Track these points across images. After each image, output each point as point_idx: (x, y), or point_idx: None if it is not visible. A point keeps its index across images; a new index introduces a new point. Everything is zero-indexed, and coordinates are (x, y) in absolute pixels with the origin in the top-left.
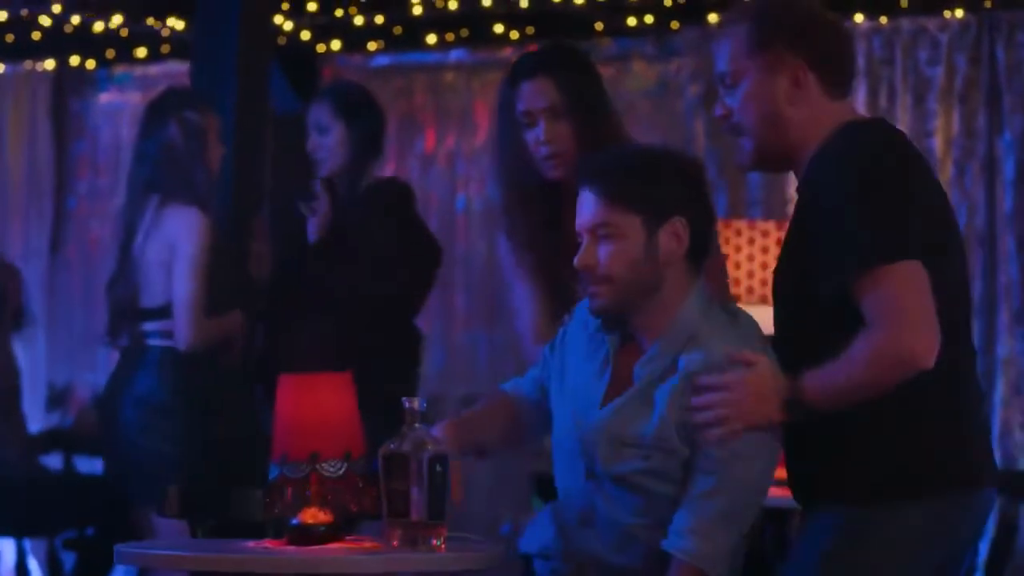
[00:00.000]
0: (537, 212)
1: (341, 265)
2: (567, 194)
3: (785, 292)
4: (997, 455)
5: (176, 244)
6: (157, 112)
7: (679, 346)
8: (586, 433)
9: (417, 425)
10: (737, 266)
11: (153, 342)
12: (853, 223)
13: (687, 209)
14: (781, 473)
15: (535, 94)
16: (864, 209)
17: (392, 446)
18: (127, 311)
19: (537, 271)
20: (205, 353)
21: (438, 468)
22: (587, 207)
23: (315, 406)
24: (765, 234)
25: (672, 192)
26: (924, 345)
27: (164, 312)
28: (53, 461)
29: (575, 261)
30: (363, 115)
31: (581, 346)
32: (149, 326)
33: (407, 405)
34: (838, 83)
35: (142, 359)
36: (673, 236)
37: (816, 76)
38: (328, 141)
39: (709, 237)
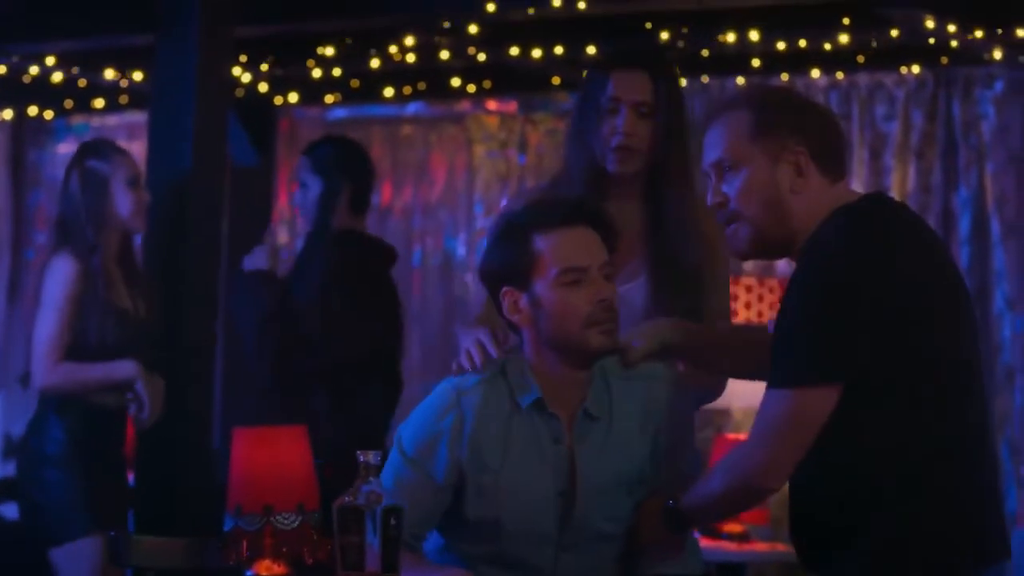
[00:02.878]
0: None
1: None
2: (616, 189)
3: None
4: None
5: (44, 289)
6: (68, 166)
7: (606, 403)
8: (578, 497)
9: (371, 478)
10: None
11: None
12: (778, 342)
13: None
14: (733, 527)
15: (629, 86)
16: (790, 330)
17: (346, 499)
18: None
19: None
20: (105, 403)
21: (392, 521)
22: (599, 248)
23: (269, 458)
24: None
25: None
26: (762, 476)
27: None
28: (9, 511)
29: (597, 296)
30: (338, 171)
31: (507, 433)
32: None
33: (362, 458)
34: (835, 169)
35: (45, 408)
36: None
37: (816, 163)
38: (309, 197)
39: None
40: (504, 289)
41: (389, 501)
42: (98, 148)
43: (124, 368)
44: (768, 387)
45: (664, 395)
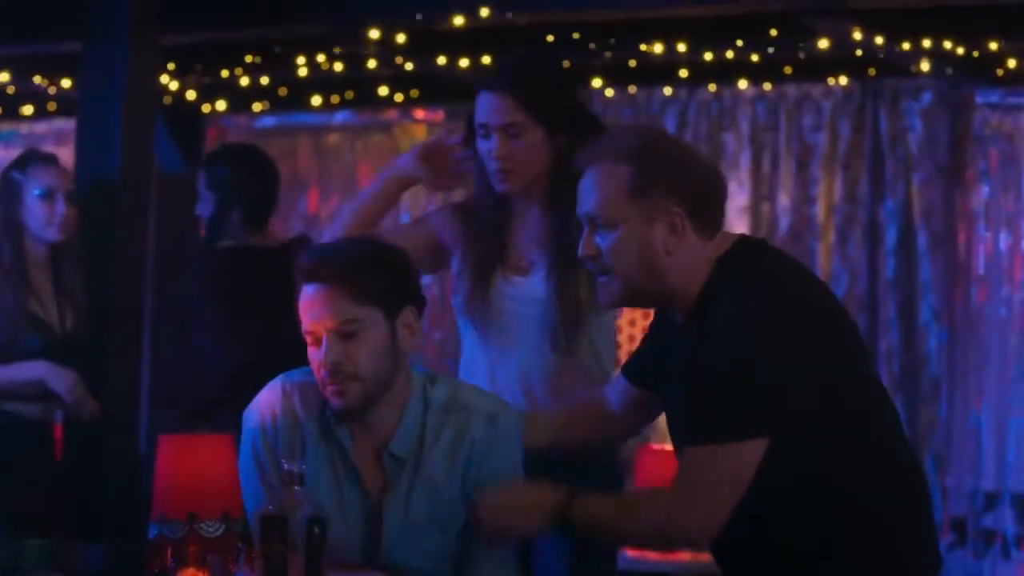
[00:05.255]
0: (482, 220)
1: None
2: (513, 208)
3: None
4: None
5: None
6: None
7: (416, 443)
8: (383, 538)
9: (296, 487)
10: (619, 330)
11: None
12: (696, 401)
13: (415, 299)
14: None
15: (492, 109)
16: (712, 388)
17: (270, 508)
18: None
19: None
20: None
21: (316, 530)
22: (328, 305)
23: (194, 466)
24: None
25: (403, 282)
26: (698, 532)
27: None
28: None
29: (320, 359)
30: (233, 194)
31: (306, 435)
32: None
33: (285, 467)
34: (712, 226)
35: None
36: (407, 326)
37: (692, 222)
38: (207, 212)
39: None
40: None
41: (313, 511)
42: (22, 159)
43: (32, 368)
44: (692, 445)
45: (479, 431)
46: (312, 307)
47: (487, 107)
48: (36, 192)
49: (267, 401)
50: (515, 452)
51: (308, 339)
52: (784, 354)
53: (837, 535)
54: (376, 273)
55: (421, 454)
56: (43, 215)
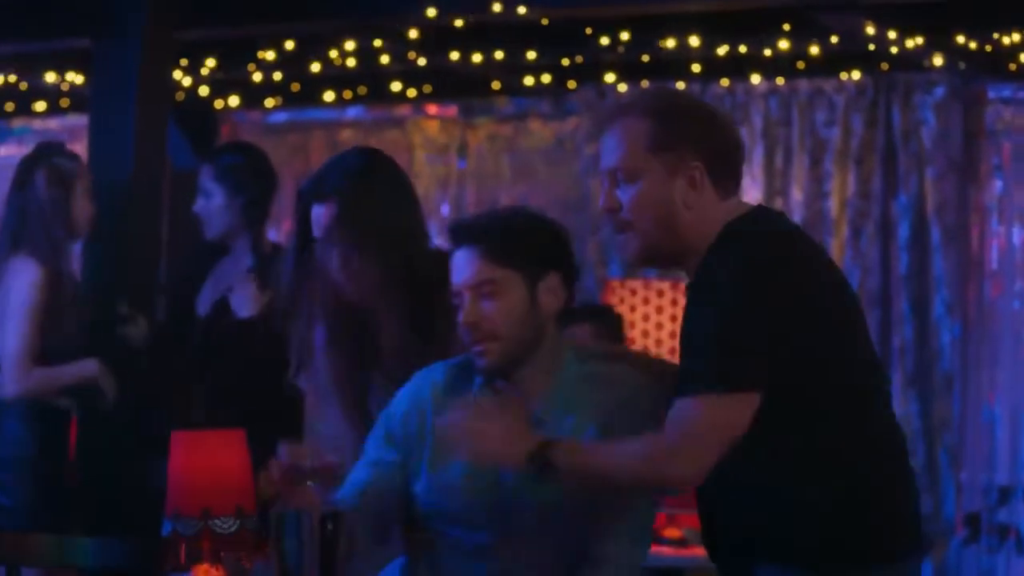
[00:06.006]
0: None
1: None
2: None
3: None
4: None
5: (10, 294)
6: (28, 163)
7: (560, 406)
8: (512, 489)
9: (308, 483)
10: (632, 325)
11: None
12: (690, 351)
13: (561, 266)
14: (671, 532)
15: (322, 220)
16: (700, 340)
17: (283, 504)
18: None
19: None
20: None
21: (329, 526)
22: (469, 266)
23: (207, 462)
24: (660, 294)
25: (547, 249)
26: (683, 476)
27: None
28: None
29: (460, 319)
30: (244, 183)
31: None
32: None
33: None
34: (729, 184)
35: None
36: (550, 292)
37: (711, 179)
38: (211, 206)
39: (573, 294)
40: None
41: (327, 506)
42: (63, 149)
43: (89, 367)
44: (680, 396)
45: (612, 399)
46: (456, 268)
47: (317, 220)
48: (86, 187)
49: (409, 388)
50: (653, 415)
51: (456, 300)
52: (786, 312)
53: (821, 502)
54: (516, 237)
55: (562, 414)
56: (87, 211)
